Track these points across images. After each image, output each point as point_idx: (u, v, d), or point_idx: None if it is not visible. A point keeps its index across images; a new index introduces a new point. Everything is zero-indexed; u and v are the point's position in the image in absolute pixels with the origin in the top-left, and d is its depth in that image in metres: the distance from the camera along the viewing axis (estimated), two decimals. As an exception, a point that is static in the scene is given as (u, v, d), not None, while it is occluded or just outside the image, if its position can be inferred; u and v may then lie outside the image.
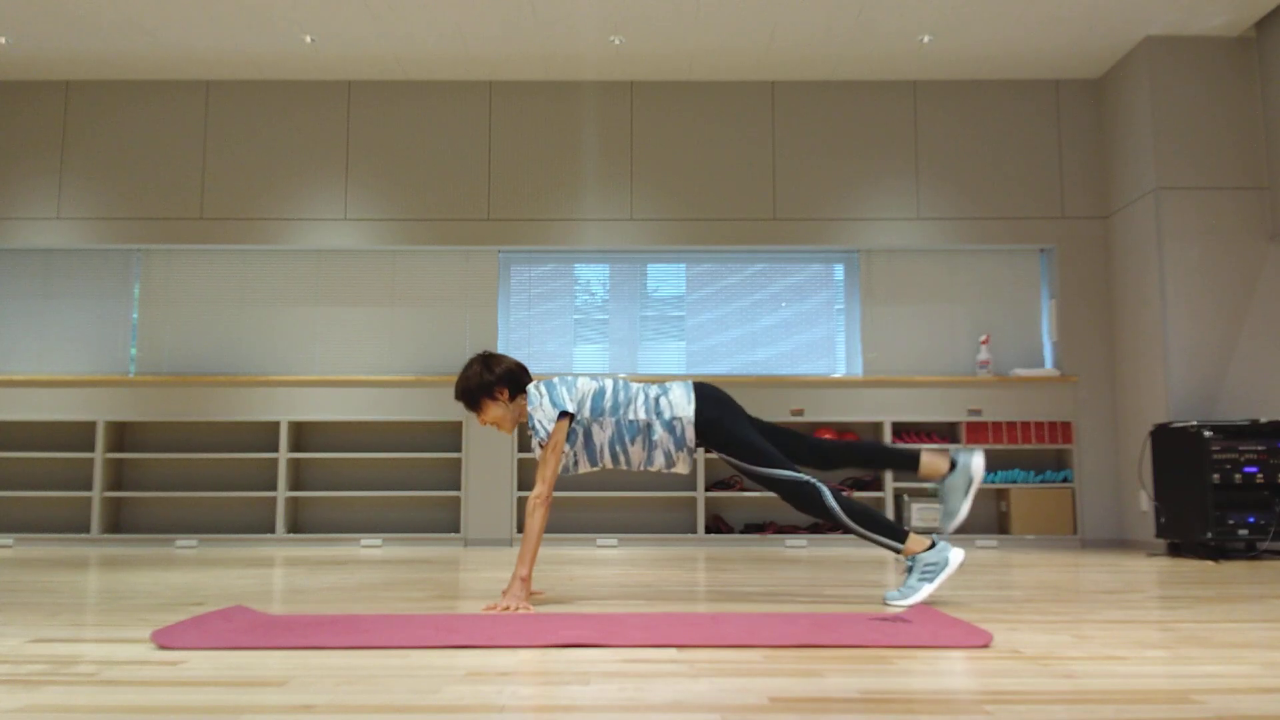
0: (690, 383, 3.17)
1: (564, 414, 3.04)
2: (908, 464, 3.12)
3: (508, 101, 6.47)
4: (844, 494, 3.05)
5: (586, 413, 3.07)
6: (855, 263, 6.43)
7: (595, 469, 3.15)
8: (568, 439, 3.08)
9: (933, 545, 3.01)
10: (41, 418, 6.14)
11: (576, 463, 3.13)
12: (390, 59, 6.17)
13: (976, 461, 3.09)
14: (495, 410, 3.15)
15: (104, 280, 6.42)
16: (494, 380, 3.12)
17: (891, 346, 6.34)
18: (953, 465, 3.10)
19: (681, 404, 3.09)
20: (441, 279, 6.41)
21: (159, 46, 6.00)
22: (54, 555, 5.21)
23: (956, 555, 2.97)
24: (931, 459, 3.11)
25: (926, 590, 2.94)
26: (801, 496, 3.01)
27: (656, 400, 3.11)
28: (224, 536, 6.04)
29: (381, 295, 6.41)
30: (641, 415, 3.08)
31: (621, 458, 3.11)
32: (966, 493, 3.07)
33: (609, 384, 3.14)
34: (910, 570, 3.00)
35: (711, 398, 3.11)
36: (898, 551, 3.00)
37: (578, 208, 6.37)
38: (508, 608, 2.79)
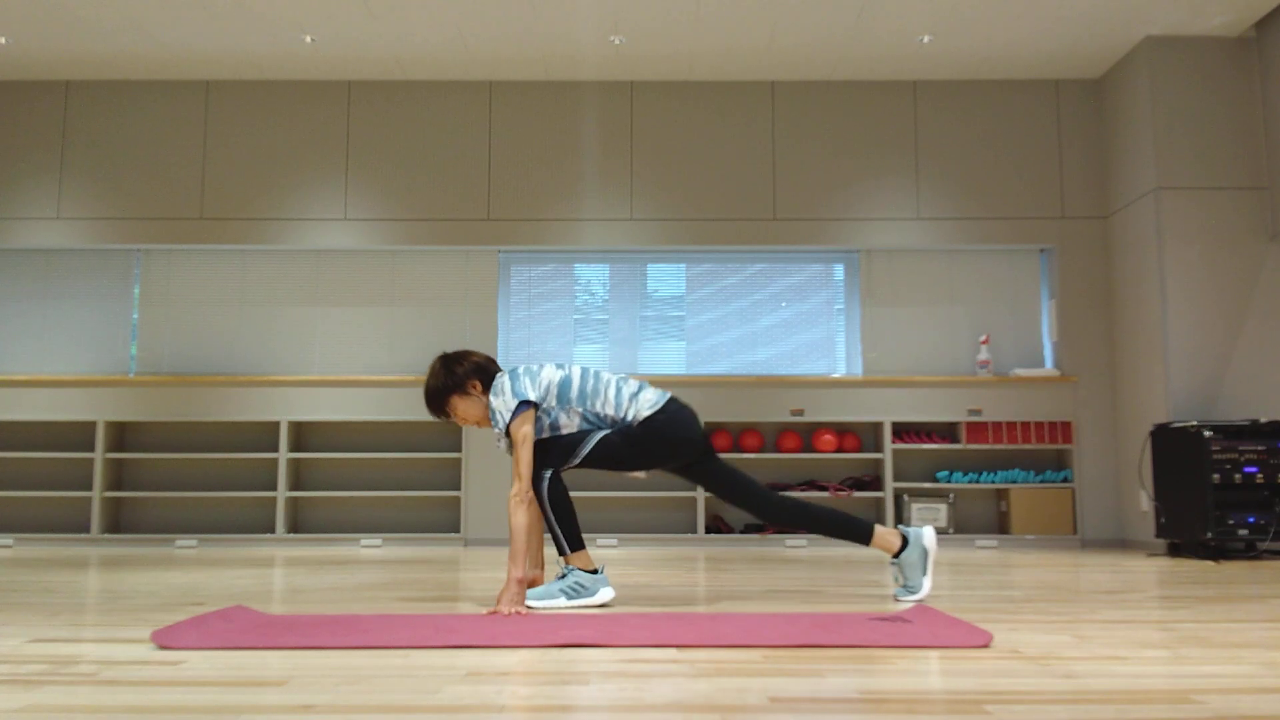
0: (667, 396, 3.05)
1: (526, 403, 2.93)
2: (860, 538, 3.06)
3: (508, 101, 6.47)
4: (558, 489, 2.96)
5: (553, 401, 2.98)
6: (855, 263, 6.43)
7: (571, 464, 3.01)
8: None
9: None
10: (41, 418, 6.14)
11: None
12: (390, 59, 6.17)
13: (928, 532, 3.09)
14: (472, 408, 3.04)
15: (104, 280, 6.42)
16: (461, 376, 3.02)
17: (891, 346, 6.34)
18: (905, 541, 3.07)
19: (649, 402, 3.00)
20: (441, 279, 6.41)
21: (159, 46, 6.00)
22: (54, 555, 5.21)
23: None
24: (884, 534, 3.07)
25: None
26: (551, 455, 2.95)
27: (632, 397, 3.01)
28: (224, 536, 6.04)
29: (381, 295, 6.41)
30: (610, 411, 2.99)
31: None
32: (925, 569, 3.07)
33: (576, 373, 3.03)
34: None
35: (676, 424, 2.98)
36: (562, 554, 3.00)
37: (578, 208, 6.37)
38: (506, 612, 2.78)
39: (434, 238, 6.33)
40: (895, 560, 3.09)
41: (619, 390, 3.02)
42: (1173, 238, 5.64)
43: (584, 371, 3.05)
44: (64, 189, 6.39)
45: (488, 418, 3.06)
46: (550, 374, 3.01)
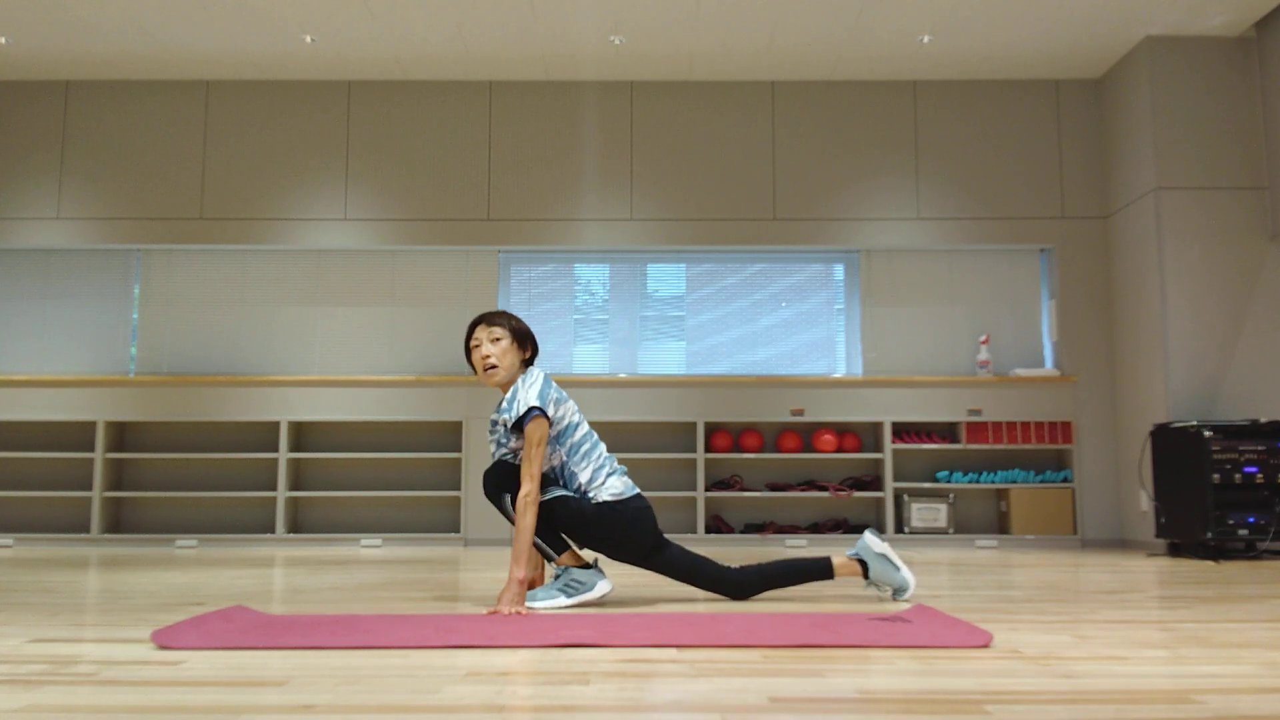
0: (634, 490, 3.08)
1: (540, 411, 2.94)
2: (822, 574, 3.11)
3: (508, 101, 6.47)
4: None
5: (554, 432, 3.03)
6: (855, 263, 6.43)
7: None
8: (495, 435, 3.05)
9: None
10: (41, 418, 6.14)
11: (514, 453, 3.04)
12: (390, 59, 6.17)
13: (870, 539, 3.14)
14: (506, 357, 3.04)
15: (104, 280, 6.42)
16: (526, 334, 3.09)
17: (891, 346, 6.34)
18: (864, 564, 3.12)
19: (613, 490, 3.04)
20: (441, 279, 6.41)
21: (159, 46, 6.00)
22: (54, 555, 5.21)
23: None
24: (844, 563, 3.11)
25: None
26: (516, 482, 2.97)
27: (606, 477, 3.05)
28: (224, 536, 6.04)
29: (381, 295, 6.41)
30: (583, 478, 3.04)
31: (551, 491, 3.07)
32: (896, 566, 3.12)
33: (584, 428, 3.09)
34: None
35: (626, 521, 3.02)
36: (550, 559, 3.04)
37: (578, 208, 6.37)
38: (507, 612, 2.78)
39: (434, 238, 6.33)
40: (869, 581, 3.14)
41: (601, 466, 3.07)
42: (1173, 238, 5.64)
43: (589, 432, 3.11)
44: (64, 189, 6.39)
45: (503, 370, 3.04)
46: (569, 410, 3.06)
